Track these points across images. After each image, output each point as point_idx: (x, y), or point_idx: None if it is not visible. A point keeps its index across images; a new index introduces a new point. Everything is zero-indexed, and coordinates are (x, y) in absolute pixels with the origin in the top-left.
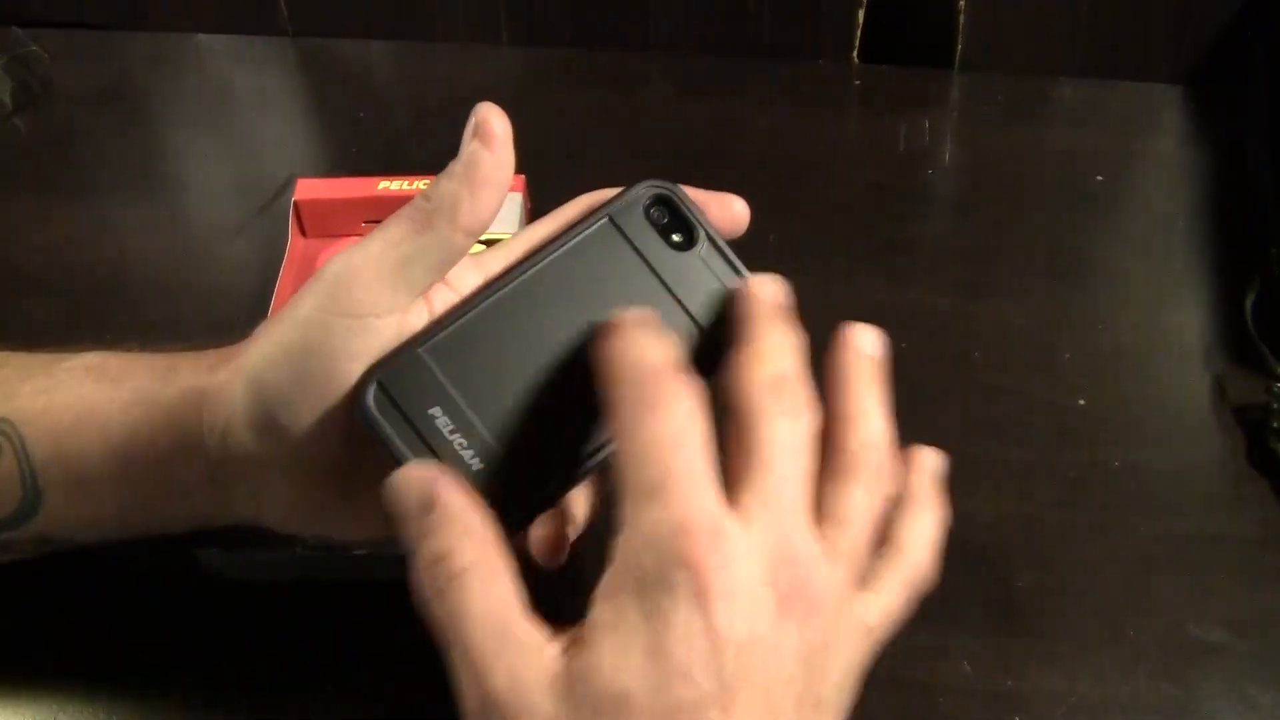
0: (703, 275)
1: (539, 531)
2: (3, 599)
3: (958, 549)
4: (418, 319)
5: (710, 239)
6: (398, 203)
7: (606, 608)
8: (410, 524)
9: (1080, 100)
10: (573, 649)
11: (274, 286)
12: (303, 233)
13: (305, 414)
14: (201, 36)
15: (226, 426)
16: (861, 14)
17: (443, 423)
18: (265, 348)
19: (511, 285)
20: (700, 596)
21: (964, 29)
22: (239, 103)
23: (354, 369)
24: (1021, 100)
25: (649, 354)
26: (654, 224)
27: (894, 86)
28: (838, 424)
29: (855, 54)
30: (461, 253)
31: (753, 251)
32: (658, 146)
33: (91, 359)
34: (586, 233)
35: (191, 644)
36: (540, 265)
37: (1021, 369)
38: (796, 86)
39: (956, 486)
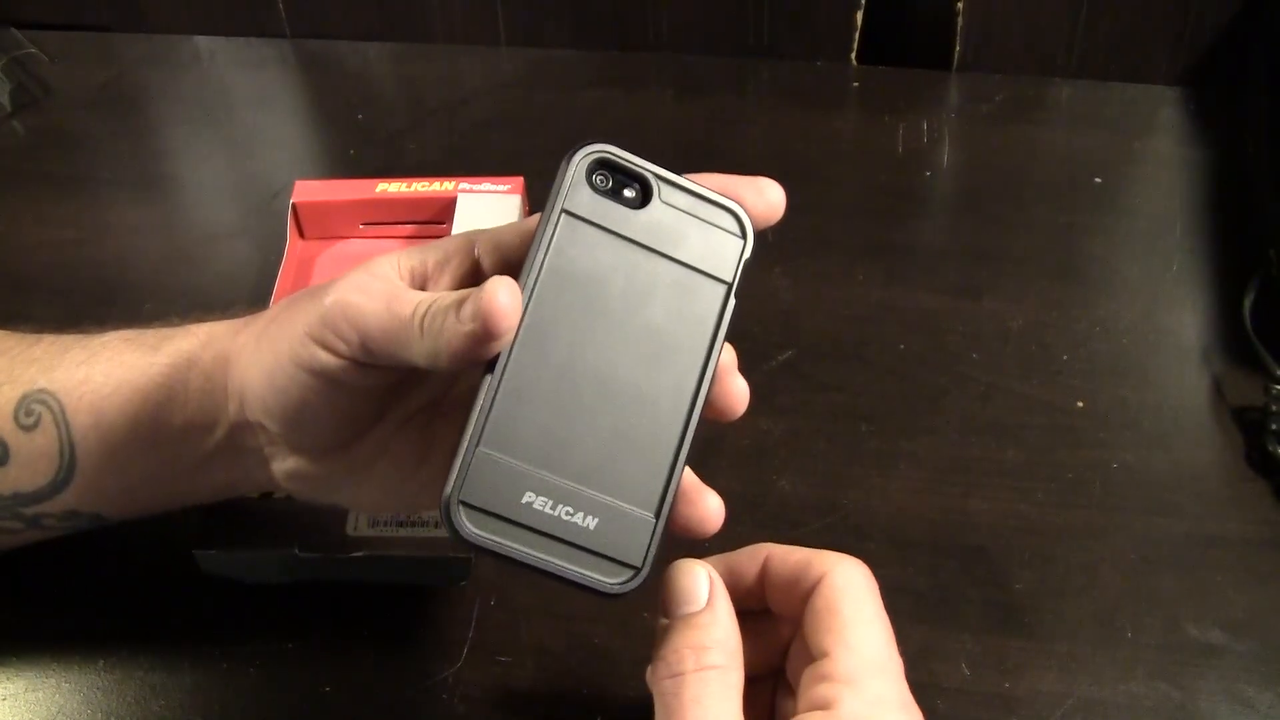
0: (678, 218)
1: (682, 517)
2: (3, 599)
3: (955, 549)
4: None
5: (664, 179)
6: (396, 204)
7: None
8: (679, 608)
9: (1078, 101)
10: None
11: (272, 288)
12: (301, 234)
13: (308, 414)
14: (200, 38)
15: (242, 391)
16: (860, 15)
17: (540, 503)
18: (273, 350)
19: (518, 334)
20: None
21: (962, 30)
22: (237, 104)
23: (327, 389)
24: (1020, 101)
25: None
26: (604, 192)
27: (892, 88)
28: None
29: (854, 55)
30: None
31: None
32: (656, 147)
33: (128, 332)
34: (553, 239)
35: (191, 644)
36: (530, 301)
37: (1019, 370)
38: (795, 88)
39: (955, 487)
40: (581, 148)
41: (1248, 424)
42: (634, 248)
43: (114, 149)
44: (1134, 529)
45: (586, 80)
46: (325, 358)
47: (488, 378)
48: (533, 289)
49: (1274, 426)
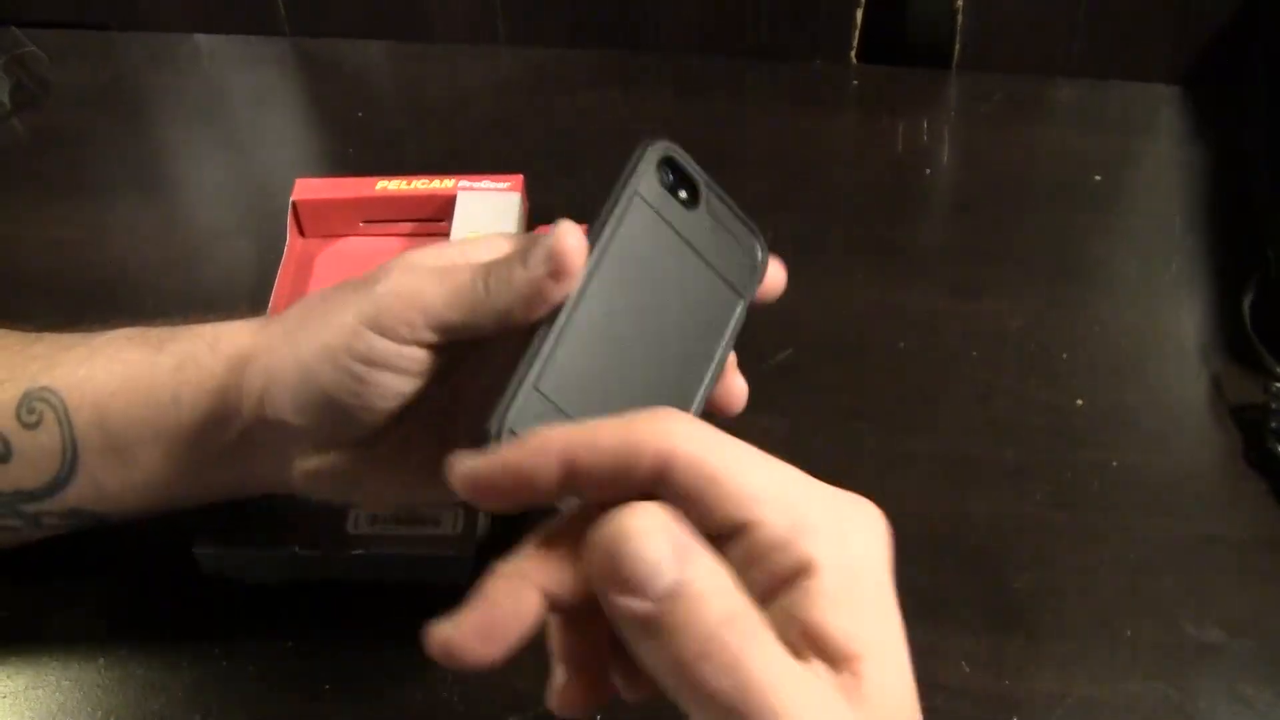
0: (715, 227)
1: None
2: (4, 597)
3: (954, 549)
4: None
5: (712, 190)
6: (396, 202)
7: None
8: (661, 583)
9: (1078, 100)
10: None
11: (272, 286)
12: (301, 233)
13: (346, 407)
14: (199, 36)
15: (265, 393)
16: (859, 14)
17: None
18: (314, 343)
19: (583, 291)
20: None
21: (962, 29)
22: (237, 103)
23: (380, 377)
24: (1019, 100)
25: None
26: (666, 187)
27: (892, 87)
28: None
29: (853, 54)
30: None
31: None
32: None
33: (131, 331)
34: (624, 214)
35: (191, 643)
36: (598, 264)
37: (1019, 369)
38: (795, 87)
39: (954, 486)
40: (656, 141)
41: (1247, 423)
42: (682, 242)
43: (114, 148)
44: (1133, 528)
45: (586, 80)
46: (384, 345)
47: (542, 328)
48: (599, 257)
49: (1273, 425)
